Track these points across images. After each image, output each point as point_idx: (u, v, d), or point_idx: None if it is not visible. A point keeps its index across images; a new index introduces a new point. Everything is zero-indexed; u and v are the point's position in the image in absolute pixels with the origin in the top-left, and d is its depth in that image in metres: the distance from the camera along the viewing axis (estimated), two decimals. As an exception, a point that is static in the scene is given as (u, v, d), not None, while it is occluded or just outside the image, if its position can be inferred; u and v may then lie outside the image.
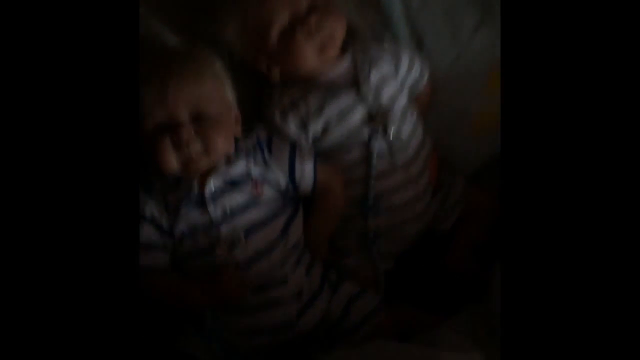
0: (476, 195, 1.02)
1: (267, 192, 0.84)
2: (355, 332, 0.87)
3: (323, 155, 0.91)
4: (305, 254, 0.89)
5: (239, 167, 0.83)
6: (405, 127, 0.91)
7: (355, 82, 0.88)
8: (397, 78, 0.92)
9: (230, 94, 0.84)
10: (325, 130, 0.89)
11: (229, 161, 0.83)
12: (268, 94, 0.91)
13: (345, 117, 0.88)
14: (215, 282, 0.80)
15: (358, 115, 0.89)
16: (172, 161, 0.78)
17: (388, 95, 0.90)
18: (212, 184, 0.81)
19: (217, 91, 0.81)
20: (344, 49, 0.90)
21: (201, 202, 0.81)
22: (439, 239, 1.00)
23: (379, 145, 0.89)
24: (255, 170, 0.84)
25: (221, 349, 0.84)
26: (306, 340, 0.87)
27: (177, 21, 0.86)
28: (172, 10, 0.86)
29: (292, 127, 0.88)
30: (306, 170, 0.87)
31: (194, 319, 0.85)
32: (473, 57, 1.01)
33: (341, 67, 0.89)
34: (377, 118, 0.88)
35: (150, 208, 0.81)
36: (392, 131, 0.89)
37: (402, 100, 0.92)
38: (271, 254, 0.83)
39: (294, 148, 0.87)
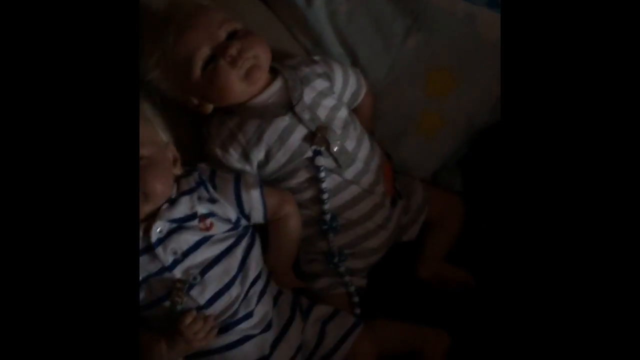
0: (438, 200, 1.00)
1: (218, 227, 0.83)
2: (334, 356, 0.85)
3: (272, 181, 0.90)
4: (270, 284, 0.87)
5: (183, 207, 0.82)
6: (349, 140, 0.91)
7: (289, 104, 0.88)
8: (333, 93, 0.92)
9: (163, 135, 0.85)
10: (268, 155, 0.88)
11: (172, 202, 0.82)
12: (205, 129, 0.91)
13: (285, 140, 0.88)
14: (179, 332, 0.77)
15: (298, 135, 0.88)
16: None
17: (326, 112, 0.90)
18: (156, 229, 0.80)
19: (148, 134, 0.81)
20: (274, 72, 0.90)
21: (149, 249, 0.79)
22: (408, 250, 0.98)
23: (325, 162, 0.88)
24: (202, 207, 0.83)
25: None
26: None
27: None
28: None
29: (234, 158, 0.88)
30: (254, 198, 0.86)
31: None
32: (409, 61, 1.02)
33: (273, 91, 0.89)
34: (318, 136, 0.87)
35: None
36: (335, 146, 0.88)
37: (342, 115, 0.92)
38: (231, 289, 0.82)
39: (238, 178, 0.86)
